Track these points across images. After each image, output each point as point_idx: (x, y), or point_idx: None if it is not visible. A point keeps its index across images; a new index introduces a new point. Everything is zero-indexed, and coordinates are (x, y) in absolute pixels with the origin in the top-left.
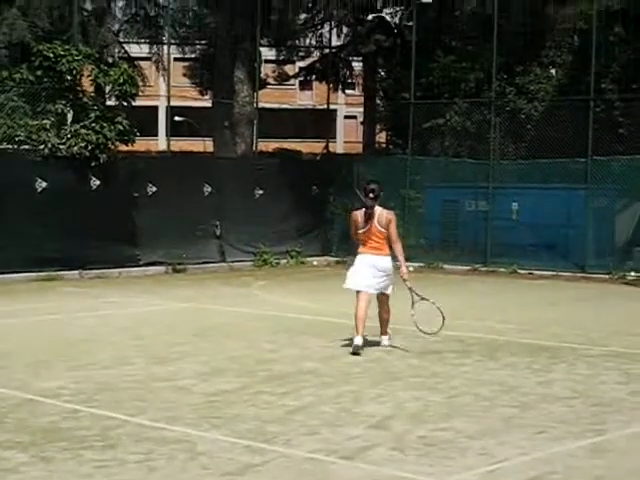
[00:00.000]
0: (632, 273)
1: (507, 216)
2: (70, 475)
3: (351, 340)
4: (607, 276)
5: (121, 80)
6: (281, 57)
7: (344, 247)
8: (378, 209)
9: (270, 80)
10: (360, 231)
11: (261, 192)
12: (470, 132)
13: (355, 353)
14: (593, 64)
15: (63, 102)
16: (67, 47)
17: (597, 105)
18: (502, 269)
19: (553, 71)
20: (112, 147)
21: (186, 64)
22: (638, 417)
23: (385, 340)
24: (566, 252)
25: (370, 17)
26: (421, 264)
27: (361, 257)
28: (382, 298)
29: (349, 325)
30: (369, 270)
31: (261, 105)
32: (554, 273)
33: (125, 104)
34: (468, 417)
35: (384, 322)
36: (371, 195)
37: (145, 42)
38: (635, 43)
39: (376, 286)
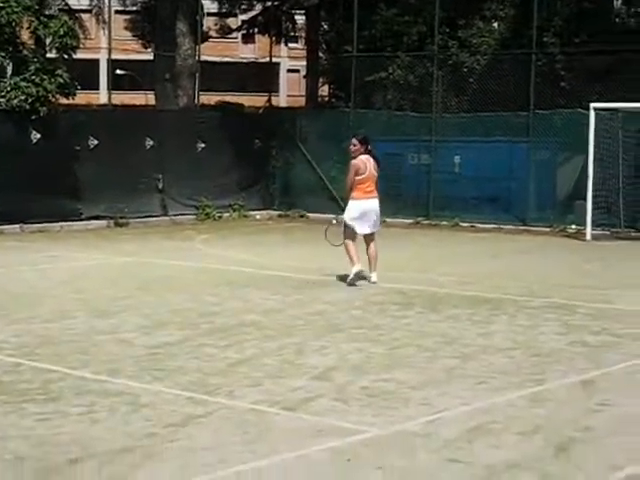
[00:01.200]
0: (573, 226)
1: (449, 169)
2: (12, 428)
3: (293, 292)
4: (548, 229)
5: (61, 32)
6: (223, 10)
7: (286, 201)
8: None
9: (212, 33)
10: (360, 177)
11: (203, 145)
12: (413, 85)
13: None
14: (535, 18)
15: (2, 54)
16: None
17: (539, 59)
18: (444, 222)
19: (495, 24)
20: (53, 100)
21: (127, 17)
22: (576, 367)
23: (374, 277)
24: (508, 205)
25: None
26: None
27: (361, 203)
28: (372, 237)
29: (292, 278)
30: (370, 214)
31: (203, 58)
32: (496, 226)
33: (66, 57)
34: (410, 368)
35: (374, 260)
36: (369, 146)
37: None
38: None
39: (374, 226)
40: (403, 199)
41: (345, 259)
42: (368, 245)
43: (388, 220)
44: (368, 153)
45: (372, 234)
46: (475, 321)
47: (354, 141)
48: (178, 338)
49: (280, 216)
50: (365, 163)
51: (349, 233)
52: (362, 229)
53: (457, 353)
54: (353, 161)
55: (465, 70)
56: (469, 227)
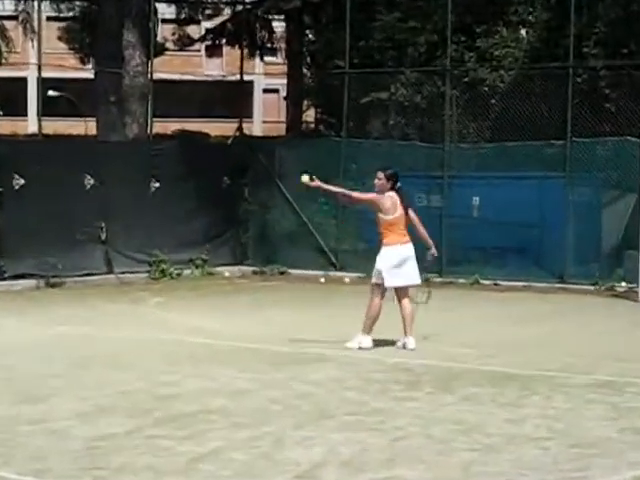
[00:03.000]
0: (622, 283)
1: (466, 213)
2: None
3: (270, 368)
4: (591, 287)
5: None
6: (183, 16)
7: (262, 253)
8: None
9: (169, 45)
10: (390, 217)
11: (158, 185)
12: (420, 108)
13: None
14: (572, 23)
15: None
16: None
17: (578, 74)
18: (461, 280)
19: (523, 32)
20: None
21: (62, 25)
22: (628, 460)
23: (411, 342)
24: (540, 257)
25: None
26: (360, 274)
27: (397, 249)
28: (406, 292)
29: (268, 351)
30: (406, 263)
31: (157, 76)
32: (525, 284)
33: None
34: (417, 463)
35: (410, 320)
36: (398, 184)
37: None
38: None
39: (408, 278)
40: None
41: (342, 328)
42: (401, 302)
43: None
44: (396, 193)
45: (406, 289)
46: (500, 404)
47: (380, 174)
48: (125, 428)
49: (254, 273)
50: (395, 203)
51: (377, 290)
52: (395, 281)
53: (477, 444)
54: (381, 195)
55: (485, 89)
56: (491, 285)
